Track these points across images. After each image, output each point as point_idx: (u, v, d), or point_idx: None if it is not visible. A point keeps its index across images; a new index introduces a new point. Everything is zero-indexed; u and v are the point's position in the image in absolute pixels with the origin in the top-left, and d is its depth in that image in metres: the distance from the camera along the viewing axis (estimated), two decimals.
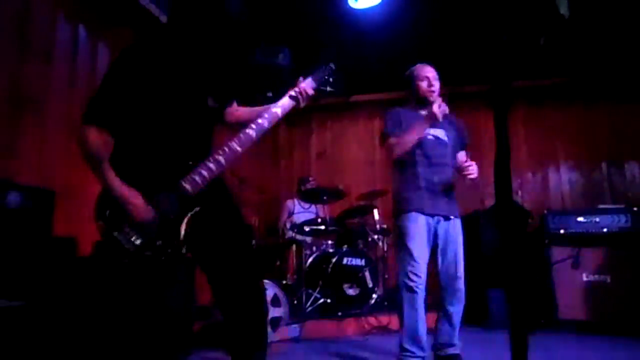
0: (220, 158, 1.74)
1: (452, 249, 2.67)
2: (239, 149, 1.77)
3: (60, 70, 3.40)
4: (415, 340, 2.54)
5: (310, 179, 5.44)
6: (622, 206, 4.41)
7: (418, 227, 2.63)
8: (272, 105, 1.92)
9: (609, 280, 4.08)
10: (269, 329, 3.49)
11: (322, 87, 2.03)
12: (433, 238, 2.68)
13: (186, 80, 1.78)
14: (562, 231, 4.35)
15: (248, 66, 4.55)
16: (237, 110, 2.01)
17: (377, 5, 4.10)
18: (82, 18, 3.61)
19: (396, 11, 4.23)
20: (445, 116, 2.62)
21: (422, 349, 2.55)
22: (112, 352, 2.26)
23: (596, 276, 4.12)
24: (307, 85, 1.96)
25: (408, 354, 2.55)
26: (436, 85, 2.79)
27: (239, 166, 4.62)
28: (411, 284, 2.55)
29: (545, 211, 4.55)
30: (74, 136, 1.70)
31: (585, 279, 4.15)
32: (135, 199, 1.61)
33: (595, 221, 4.28)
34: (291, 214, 5.17)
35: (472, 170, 2.61)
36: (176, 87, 1.75)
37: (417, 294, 2.55)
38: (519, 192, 5.63)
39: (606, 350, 3.42)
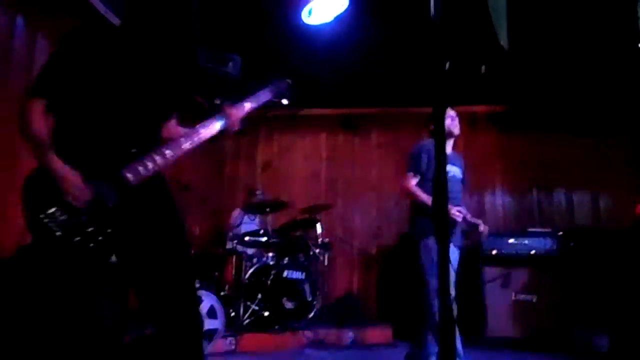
0: (168, 152, 1.69)
1: None
2: (187, 145, 1.75)
3: None
4: None
5: (257, 192, 5.40)
6: (549, 230, 4.68)
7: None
8: (208, 121, 1.87)
9: (534, 299, 4.30)
10: (204, 342, 3.39)
11: (276, 100, 2.03)
12: None
13: (137, 71, 1.72)
14: (494, 252, 4.55)
15: (197, 73, 4.45)
16: (174, 127, 1.92)
17: (329, 23, 4.16)
18: (20, 8, 3.41)
19: (348, 30, 4.32)
20: (457, 154, 3.09)
21: None
22: None
23: (523, 295, 4.34)
24: (237, 110, 1.91)
25: None
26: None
27: (182, 173, 4.50)
28: None
29: None
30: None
31: (513, 298, 4.35)
32: (74, 177, 1.54)
33: (525, 243, 4.52)
34: (240, 224, 5.10)
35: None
36: (126, 75, 1.69)
37: None
38: None
39: None
